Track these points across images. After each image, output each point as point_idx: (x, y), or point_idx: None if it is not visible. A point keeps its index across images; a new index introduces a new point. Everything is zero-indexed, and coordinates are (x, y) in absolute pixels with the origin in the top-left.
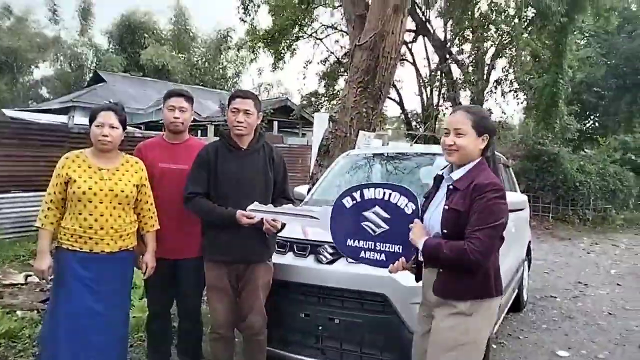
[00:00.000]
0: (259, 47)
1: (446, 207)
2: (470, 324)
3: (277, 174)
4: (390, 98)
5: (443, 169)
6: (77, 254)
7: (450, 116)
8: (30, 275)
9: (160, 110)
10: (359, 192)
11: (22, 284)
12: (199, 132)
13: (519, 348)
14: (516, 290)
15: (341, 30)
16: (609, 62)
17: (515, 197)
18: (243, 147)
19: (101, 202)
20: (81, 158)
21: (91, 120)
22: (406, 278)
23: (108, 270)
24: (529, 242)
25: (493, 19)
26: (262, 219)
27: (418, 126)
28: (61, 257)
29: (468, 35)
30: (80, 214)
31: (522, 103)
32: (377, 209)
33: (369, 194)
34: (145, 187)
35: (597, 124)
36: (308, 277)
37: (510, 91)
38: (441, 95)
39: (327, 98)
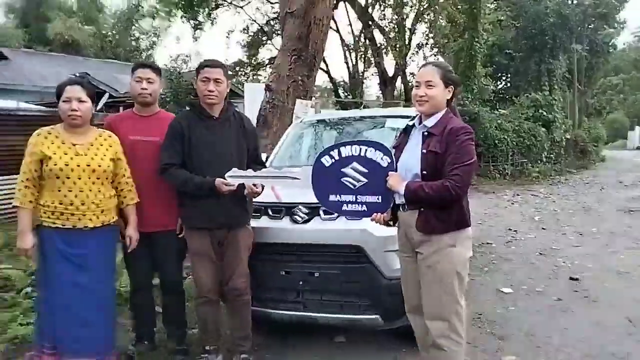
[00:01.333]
0: (174, 14)
1: (424, 150)
2: (455, 253)
3: (250, 141)
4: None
5: (412, 119)
6: (60, 230)
7: (421, 70)
8: None
9: None
10: (336, 150)
11: None
12: (121, 108)
13: (466, 289)
14: None
15: None
16: (518, 25)
17: None
18: (215, 116)
19: (79, 178)
20: (54, 134)
21: (58, 96)
22: (378, 229)
23: (92, 245)
24: None
25: None
26: (241, 184)
27: (346, 94)
28: (44, 235)
29: (388, 1)
30: (59, 190)
31: None
32: (355, 164)
33: (346, 151)
34: (121, 160)
35: (509, 84)
36: (286, 237)
37: (430, 55)
38: (366, 62)
39: (252, 68)
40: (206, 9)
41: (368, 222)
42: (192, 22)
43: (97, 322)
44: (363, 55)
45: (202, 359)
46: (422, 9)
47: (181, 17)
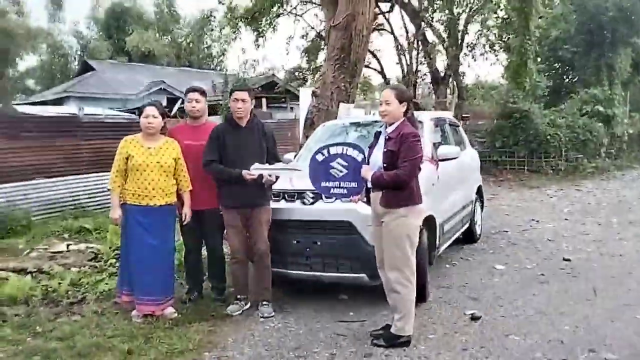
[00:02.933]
0: (240, 26)
1: (385, 149)
2: (407, 221)
3: (269, 143)
4: (372, 68)
5: (380, 127)
6: (137, 207)
7: (382, 92)
8: (70, 244)
9: (152, 94)
10: (326, 150)
11: (66, 251)
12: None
13: (465, 266)
14: (466, 225)
15: (319, 5)
16: (577, 20)
17: (448, 149)
18: (242, 125)
19: (152, 171)
20: (135, 140)
21: (140, 113)
22: (363, 208)
23: (158, 217)
24: (480, 186)
25: None
26: (261, 175)
27: None
28: (127, 210)
29: (439, 3)
30: (137, 179)
31: (492, 65)
32: (339, 159)
33: (333, 150)
34: (180, 159)
35: (575, 79)
36: (297, 215)
37: (482, 54)
38: (419, 62)
39: (310, 72)
40: (267, 19)
41: (357, 203)
42: (255, 31)
43: (161, 272)
44: (416, 56)
45: (235, 305)
46: (473, 9)
47: (246, 27)
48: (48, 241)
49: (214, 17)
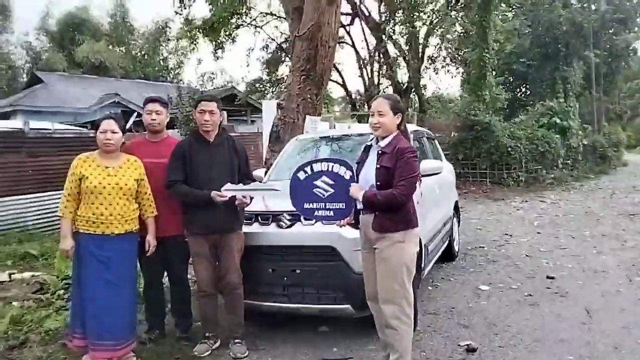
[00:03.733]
0: (197, 37)
1: (378, 166)
2: (405, 248)
3: (241, 160)
4: (333, 80)
5: (370, 140)
6: (92, 236)
7: (374, 102)
8: (13, 273)
9: (105, 107)
10: (309, 166)
11: (8, 281)
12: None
13: (449, 287)
14: (446, 242)
15: (280, 17)
16: (533, 33)
17: (432, 163)
18: (210, 140)
19: (109, 194)
20: (91, 159)
21: (96, 128)
22: (348, 232)
23: (117, 248)
24: (456, 201)
25: (420, 0)
26: (233, 196)
27: (362, 106)
28: (79, 239)
29: (400, 17)
30: (92, 203)
31: (453, 78)
32: (325, 177)
33: (317, 167)
34: (144, 180)
35: (528, 92)
36: (272, 240)
37: (442, 67)
38: (380, 75)
39: (271, 84)
40: (227, 30)
41: (344, 227)
42: (213, 42)
43: (123, 312)
44: (377, 69)
45: (203, 344)
46: (433, 22)
47: (203, 38)
48: None
49: (170, 27)
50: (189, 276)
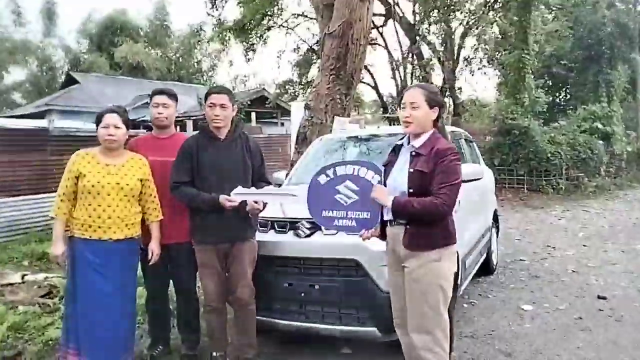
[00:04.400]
0: (229, 38)
1: (411, 170)
2: (441, 268)
3: (255, 160)
4: (365, 82)
5: (401, 139)
6: (87, 242)
7: (406, 92)
8: (26, 275)
9: (138, 108)
10: (332, 169)
11: (19, 283)
12: (178, 127)
13: (487, 305)
14: (484, 255)
15: (311, 18)
16: (574, 35)
17: (473, 168)
18: (221, 138)
19: (109, 195)
20: (90, 155)
21: (98, 123)
22: (375, 244)
23: (115, 256)
24: (495, 210)
25: None
26: (244, 201)
27: (393, 108)
28: (74, 245)
29: (435, 17)
30: (89, 205)
31: (490, 80)
32: (348, 182)
33: (340, 170)
34: (149, 181)
35: (569, 96)
36: (289, 250)
37: (479, 69)
38: (414, 77)
39: (302, 86)
40: (258, 32)
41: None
42: (244, 44)
43: (117, 326)
44: (411, 71)
45: None
46: (470, 23)
47: (235, 40)
48: (2, 269)
49: (204, 31)
50: (197, 289)
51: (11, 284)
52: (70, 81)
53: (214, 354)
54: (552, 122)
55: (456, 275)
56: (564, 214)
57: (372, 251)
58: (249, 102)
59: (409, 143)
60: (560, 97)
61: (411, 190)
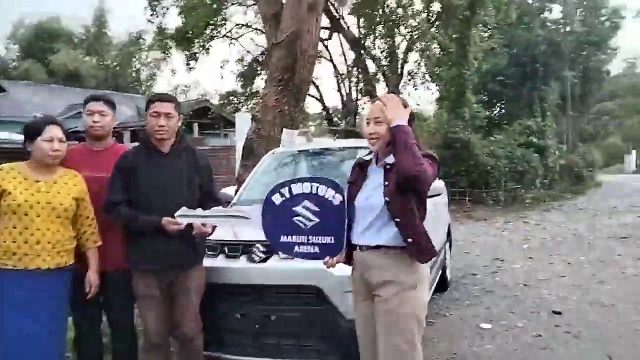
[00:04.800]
0: (170, 47)
1: (386, 183)
2: (417, 297)
3: (203, 176)
4: (310, 95)
5: (367, 154)
6: (9, 272)
7: (370, 106)
8: None
9: (70, 118)
10: (287, 188)
11: None
12: (113, 139)
13: (446, 325)
14: (440, 271)
15: (256, 29)
16: (510, 52)
17: (435, 183)
18: (164, 152)
19: (38, 216)
20: (16, 170)
21: (34, 134)
22: (338, 268)
23: (43, 288)
24: (449, 224)
25: (401, 15)
26: (190, 224)
27: (339, 121)
28: None
29: (380, 31)
30: (14, 227)
31: (433, 94)
32: (307, 202)
33: (297, 189)
34: (85, 201)
35: (503, 111)
36: (241, 277)
37: (422, 83)
38: (359, 90)
39: (245, 97)
40: (201, 41)
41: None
42: (186, 52)
43: None
44: (356, 84)
45: None
46: (413, 38)
47: (176, 49)
48: None
49: (144, 39)
50: (134, 322)
51: None
52: None
53: None
54: (489, 136)
55: None
56: (506, 226)
57: (334, 276)
58: (190, 113)
59: (377, 160)
60: (495, 112)
61: (387, 199)
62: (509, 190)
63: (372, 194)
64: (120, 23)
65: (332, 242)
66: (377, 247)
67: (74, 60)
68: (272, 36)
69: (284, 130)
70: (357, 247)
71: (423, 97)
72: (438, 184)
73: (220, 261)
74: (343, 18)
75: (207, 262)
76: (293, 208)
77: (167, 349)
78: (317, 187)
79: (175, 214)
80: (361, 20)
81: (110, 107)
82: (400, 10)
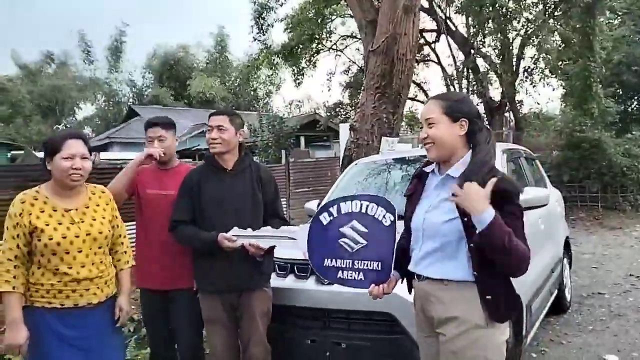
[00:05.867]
0: (277, 63)
1: (447, 216)
2: (488, 337)
3: (267, 193)
4: (419, 101)
5: (425, 165)
6: (57, 311)
7: (423, 108)
8: None
9: (194, 137)
10: (335, 206)
11: None
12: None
13: (561, 355)
14: (555, 292)
15: (360, 39)
16: None
17: (536, 192)
18: (227, 168)
19: (80, 251)
20: (41, 200)
21: (53, 151)
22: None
23: (96, 323)
24: (567, 237)
25: (513, 8)
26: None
27: None
28: (36, 319)
29: (490, 28)
30: (56, 268)
31: (554, 91)
32: (355, 223)
33: (346, 207)
34: (117, 218)
35: None
36: (310, 299)
37: (541, 80)
38: (470, 92)
39: (352, 107)
40: (307, 55)
41: (400, 286)
42: (294, 68)
43: None
44: (467, 86)
45: None
46: (528, 32)
47: (284, 65)
48: None
49: (259, 59)
50: (204, 344)
51: None
52: (131, 114)
53: None
54: (625, 133)
55: (519, 324)
56: None
57: (409, 303)
58: (298, 127)
59: (439, 171)
60: (633, 105)
61: (465, 220)
62: None
63: (435, 210)
64: (239, 45)
65: (379, 268)
66: (440, 279)
67: (210, 87)
68: (369, 43)
69: (383, 138)
70: (416, 277)
71: (547, 94)
72: (543, 193)
73: (288, 282)
74: (450, 19)
75: (275, 282)
76: (340, 229)
77: None
78: (367, 206)
79: (229, 232)
80: (469, 18)
81: (168, 129)
82: (511, 4)
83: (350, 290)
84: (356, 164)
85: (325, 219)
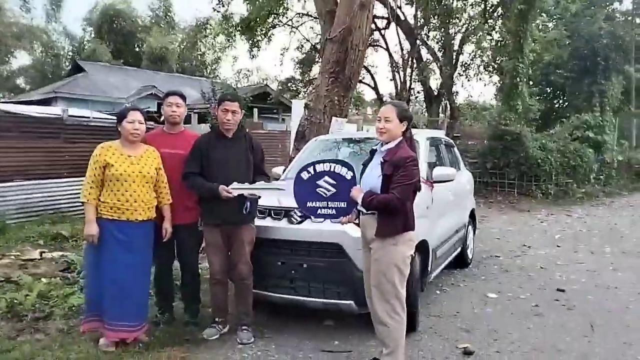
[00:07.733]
0: (234, 35)
1: (379, 174)
2: (397, 251)
3: (256, 157)
4: (365, 83)
5: (376, 145)
6: (115, 222)
7: (382, 108)
8: (44, 252)
9: (143, 98)
10: (312, 167)
11: (38, 259)
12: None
13: (457, 293)
14: (459, 249)
15: (315, 18)
16: (572, 45)
17: (444, 170)
18: (228, 137)
19: (134, 182)
20: (114, 147)
21: (122, 118)
22: (354, 231)
23: (138, 234)
24: (473, 209)
25: (457, 6)
26: (241, 194)
27: None
28: (102, 225)
29: (435, 22)
30: (118, 190)
31: (485, 86)
32: (327, 177)
33: (319, 167)
34: (161, 169)
35: (565, 104)
36: (283, 234)
37: (476, 75)
38: (412, 79)
39: (303, 84)
40: (263, 29)
41: (347, 225)
42: (249, 41)
43: (138, 294)
44: (410, 73)
45: (212, 329)
46: (468, 30)
47: (240, 36)
48: (21, 247)
49: (210, 25)
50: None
51: (32, 260)
52: (76, 68)
53: (216, 319)
54: (547, 128)
55: (426, 260)
56: (547, 218)
57: (352, 237)
58: (251, 98)
59: (382, 147)
60: (557, 104)
61: (384, 178)
62: (560, 185)
63: (371, 173)
64: (183, 10)
65: (345, 206)
66: (372, 213)
67: (163, 44)
68: (327, 31)
69: (333, 118)
70: (360, 212)
71: (480, 88)
72: (450, 171)
73: (267, 221)
74: (400, 8)
75: (258, 221)
76: (316, 181)
77: (226, 285)
78: (334, 166)
79: (229, 186)
80: (417, 11)
81: (184, 100)
82: (455, 3)
83: (311, 228)
84: (316, 140)
85: (305, 175)
